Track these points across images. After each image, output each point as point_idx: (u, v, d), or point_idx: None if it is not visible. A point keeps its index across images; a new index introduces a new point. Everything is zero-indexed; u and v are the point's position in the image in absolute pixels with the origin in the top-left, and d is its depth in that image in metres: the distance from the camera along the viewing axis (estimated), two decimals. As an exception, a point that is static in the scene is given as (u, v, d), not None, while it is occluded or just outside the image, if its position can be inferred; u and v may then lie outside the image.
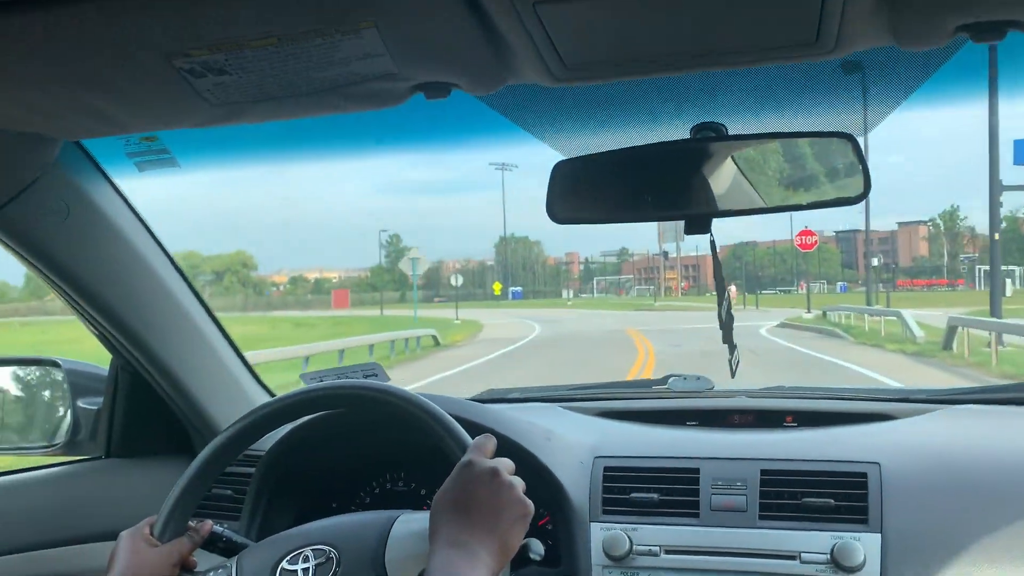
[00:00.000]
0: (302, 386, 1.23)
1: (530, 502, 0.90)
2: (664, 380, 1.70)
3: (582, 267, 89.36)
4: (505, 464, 0.92)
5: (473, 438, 0.98)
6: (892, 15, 0.70)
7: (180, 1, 0.65)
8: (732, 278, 64.02)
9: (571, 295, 79.14)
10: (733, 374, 1.09)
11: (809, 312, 25.91)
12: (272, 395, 1.63)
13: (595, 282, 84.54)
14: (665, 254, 73.65)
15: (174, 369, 1.37)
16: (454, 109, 0.89)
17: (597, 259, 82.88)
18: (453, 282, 38.15)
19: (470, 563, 0.82)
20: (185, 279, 1.36)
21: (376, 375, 1.40)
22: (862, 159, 0.82)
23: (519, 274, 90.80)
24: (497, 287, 71.60)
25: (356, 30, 0.70)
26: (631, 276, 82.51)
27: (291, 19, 0.68)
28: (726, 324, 1.04)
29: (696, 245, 75.96)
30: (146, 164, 1.06)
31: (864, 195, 0.83)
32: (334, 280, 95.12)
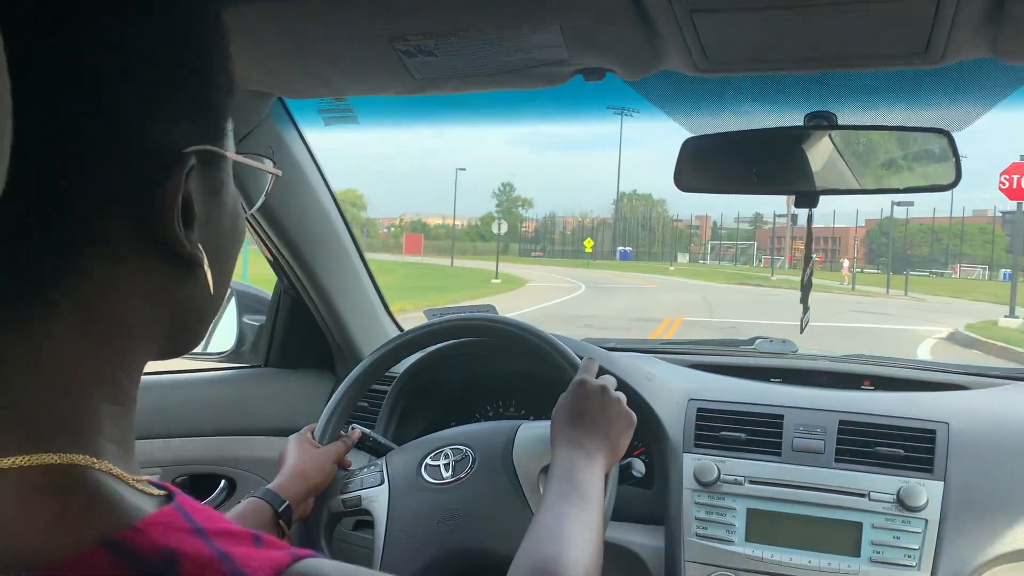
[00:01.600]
0: (426, 321, 1.44)
1: (633, 413, 1.08)
2: (751, 341, 1.85)
3: (713, 232, 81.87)
4: (611, 382, 1.11)
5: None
6: (994, 31, 0.84)
7: None
8: (877, 255, 56.45)
9: (686, 260, 71.34)
10: (802, 330, 1.24)
11: (1014, 315, 14.52)
12: (400, 328, 1.86)
13: (709, 247, 76.38)
14: (794, 218, 69.19)
15: (331, 296, 1.60)
16: (595, 88, 1.06)
17: (730, 225, 74.42)
18: (495, 230, 33.68)
19: (587, 461, 1.00)
20: (346, 222, 1.59)
21: (491, 311, 1.60)
22: (955, 152, 0.96)
23: (637, 234, 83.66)
24: (588, 244, 63.76)
25: (544, 27, 0.87)
26: (751, 243, 72.34)
27: (494, 15, 0.86)
28: (805, 287, 1.19)
29: (834, 211, 65.91)
30: (333, 120, 1.26)
31: (955, 184, 0.97)
32: (458, 226, 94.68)
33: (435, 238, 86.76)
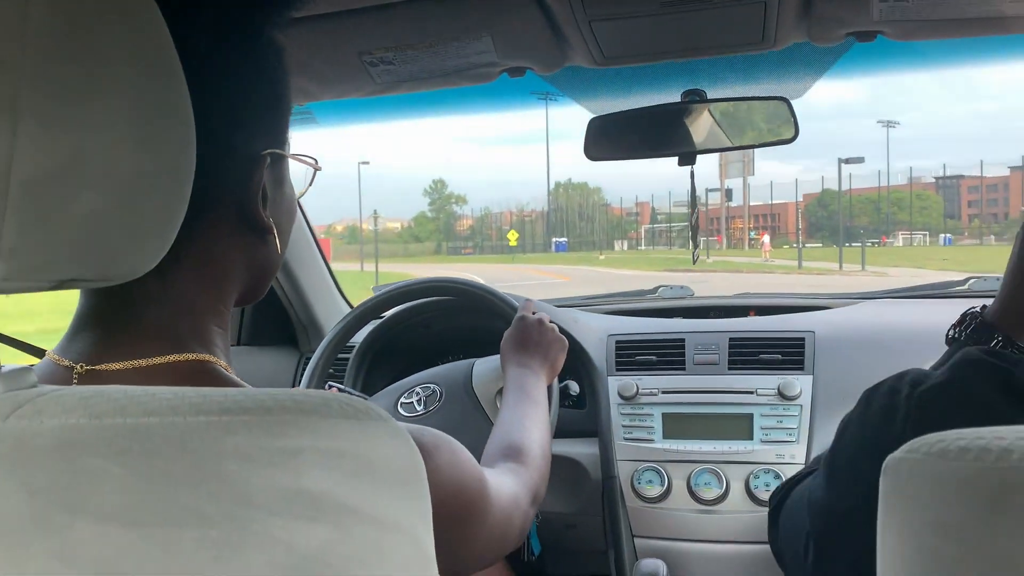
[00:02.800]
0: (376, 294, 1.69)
1: (565, 339, 1.36)
2: (655, 290, 2.17)
3: (652, 217, 75.98)
4: (545, 316, 1.38)
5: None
6: (807, 24, 1.15)
7: (379, 16, 1.08)
8: (817, 229, 54.19)
9: (624, 247, 67.94)
10: (695, 260, 1.56)
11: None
12: (351, 305, 2.09)
13: (643, 232, 71.98)
14: (728, 193, 58.14)
15: (296, 279, 1.83)
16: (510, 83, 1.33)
17: (668, 210, 68.31)
18: (372, 225, 31.57)
19: (533, 375, 1.26)
20: (304, 214, 1.81)
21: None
22: (793, 114, 1.28)
23: (576, 224, 78.65)
24: (513, 236, 62.90)
25: (479, 38, 1.13)
26: (687, 224, 71.21)
27: (441, 30, 1.12)
28: (694, 231, 1.50)
29: (771, 182, 62.51)
30: (295, 123, 1.48)
31: (795, 138, 1.29)
32: (393, 228, 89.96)
33: (363, 242, 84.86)
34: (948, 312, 1.82)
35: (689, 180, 1.41)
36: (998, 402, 0.61)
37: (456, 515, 0.71)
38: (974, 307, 0.82)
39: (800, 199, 58.72)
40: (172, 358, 0.64)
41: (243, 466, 0.42)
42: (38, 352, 0.68)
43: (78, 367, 0.62)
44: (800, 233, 51.58)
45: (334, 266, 2.10)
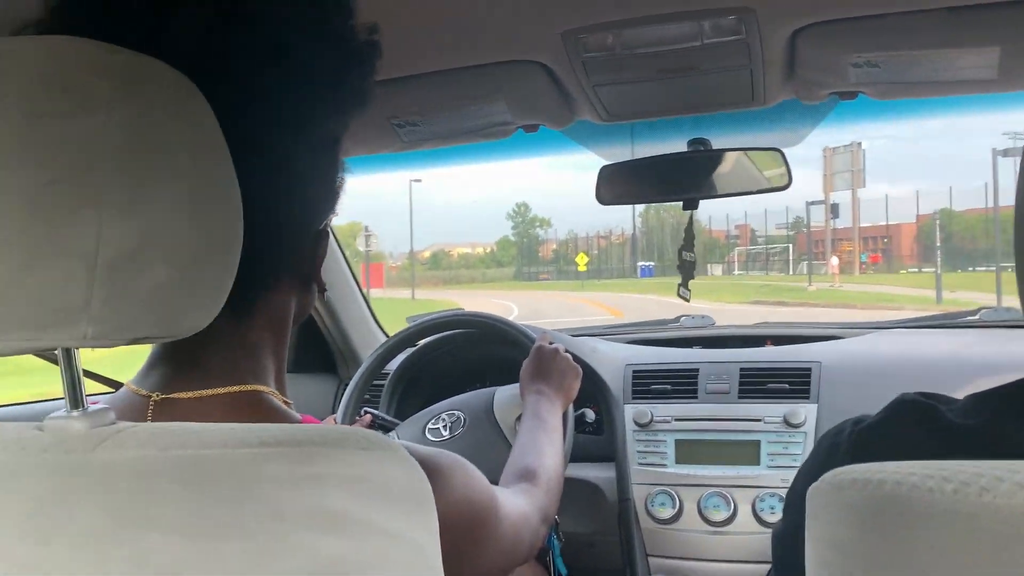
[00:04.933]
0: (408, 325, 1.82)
1: (579, 367, 1.47)
2: (677, 319, 2.27)
3: (752, 240, 68.06)
4: (560, 346, 1.49)
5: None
6: (795, 85, 1.26)
7: (407, 84, 1.22)
8: (932, 252, 44.84)
9: (719, 272, 59.95)
10: (680, 294, 1.67)
11: None
12: (387, 334, 2.23)
13: (736, 255, 64.00)
14: (834, 209, 47.69)
15: (335, 310, 1.97)
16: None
17: (771, 233, 61.17)
18: (360, 246, 28.47)
19: (549, 402, 1.37)
20: (341, 248, 1.97)
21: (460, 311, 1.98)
22: (786, 163, 1.39)
23: (667, 247, 69.70)
24: (582, 260, 58.13)
25: (495, 101, 1.27)
26: (786, 247, 57.53)
27: (461, 96, 1.25)
28: (685, 271, 1.61)
29: (885, 203, 51.67)
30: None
31: (788, 186, 1.40)
32: (477, 253, 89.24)
33: (447, 268, 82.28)
34: (955, 342, 1.91)
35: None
36: (923, 438, 0.70)
37: (468, 528, 0.80)
38: None
39: (912, 220, 51.70)
40: (233, 389, 0.75)
41: (277, 489, 0.53)
42: (116, 385, 0.82)
43: (154, 395, 0.74)
44: (911, 257, 46.81)
45: (384, 294, 2.23)
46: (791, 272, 51.47)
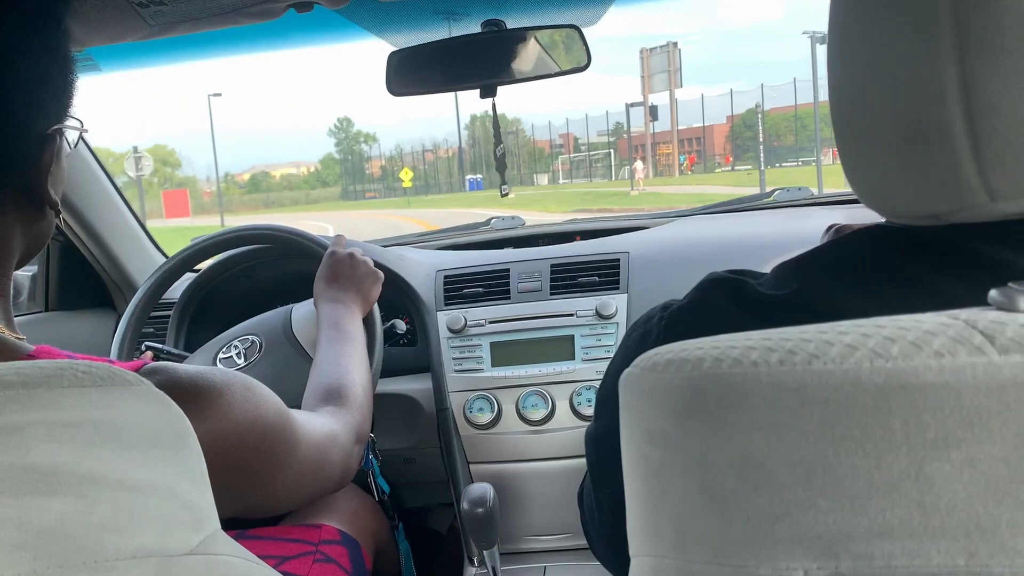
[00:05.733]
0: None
1: (380, 272, 1.36)
2: (487, 222, 2.20)
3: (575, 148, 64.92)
4: (357, 250, 1.38)
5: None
6: None
7: None
8: (743, 151, 48.82)
9: (545, 181, 58.33)
10: (503, 195, 1.60)
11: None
12: (166, 256, 2.00)
13: (560, 163, 62.07)
14: (653, 111, 47.00)
15: (101, 236, 1.73)
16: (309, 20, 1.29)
17: (593, 140, 58.75)
18: (131, 171, 25.08)
19: (346, 309, 1.27)
20: (104, 170, 1.71)
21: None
22: (585, 41, 1.31)
23: (493, 160, 69.69)
24: (406, 175, 56.13)
25: None
26: (608, 152, 55.87)
27: None
28: (500, 165, 1.53)
29: (701, 104, 50.62)
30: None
31: (587, 66, 1.32)
32: (301, 173, 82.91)
33: (268, 190, 77.12)
34: (754, 223, 1.96)
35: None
36: (732, 313, 0.66)
37: (254, 448, 0.74)
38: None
39: (724, 122, 52.74)
40: None
41: None
42: None
43: None
44: (725, 156, 48.40)
45: (193, 223, 2.00)
46: (613, 178, 51.12)
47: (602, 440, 0.74)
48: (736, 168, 45.48)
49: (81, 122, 0.83)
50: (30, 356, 0.66)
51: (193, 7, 1.13)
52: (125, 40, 1.23)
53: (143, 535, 0.44)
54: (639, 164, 41.15)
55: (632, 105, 49.85)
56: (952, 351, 0.37)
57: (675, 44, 45.61)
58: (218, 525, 0.49)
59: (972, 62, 0.46)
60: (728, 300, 0.66)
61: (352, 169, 79.03)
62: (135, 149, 25.48)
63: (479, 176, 58.83)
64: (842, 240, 0.64)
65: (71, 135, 0.84)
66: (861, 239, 0.62)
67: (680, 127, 51.47)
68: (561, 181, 58.28)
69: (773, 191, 2.09)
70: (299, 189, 78.16)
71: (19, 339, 0.69)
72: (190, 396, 0.68)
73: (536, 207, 26.53)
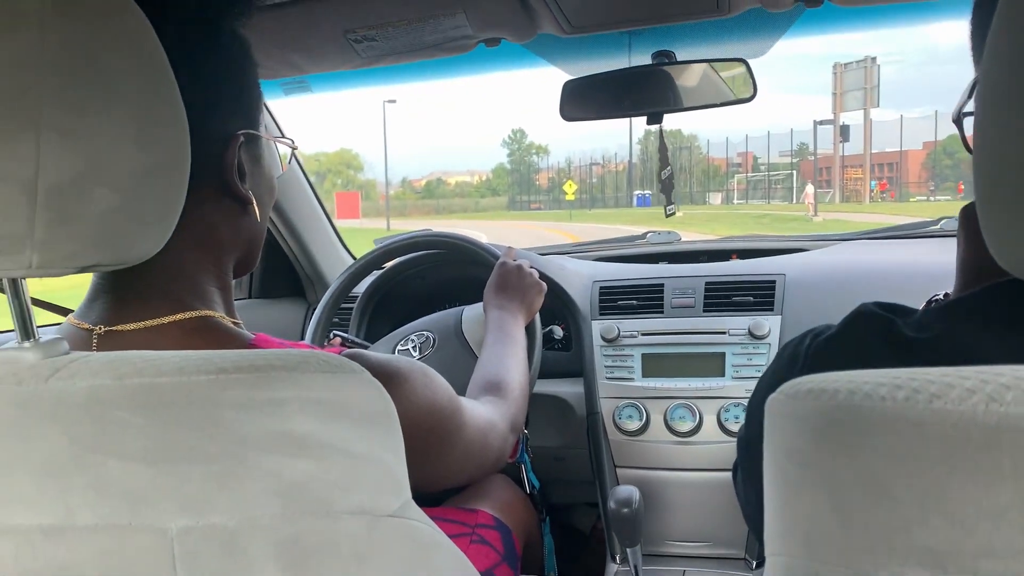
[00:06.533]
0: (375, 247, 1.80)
1: (543, 283, 1.47)
2: (644, 235, 2.28)
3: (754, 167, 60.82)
4: (524, 262, 1.49)
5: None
6: None
7: (359, 1, 1.18)
8: (942, 180, 45.71)
9: (719, 201, 54.80)
10: (667, 215, 1.68)
11: None
12: (354, 257, 2.21)
13: (736, 182, 57.47)
14: (844, 131, 43.17)
15: (300, 234, 1.95)
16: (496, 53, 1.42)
17: (774, 160, 55.11)
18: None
19: (511, 316, 1.38)
20: (305, 175, 1.93)
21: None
22: (751, 74, 1.37)
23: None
24: (570, 188, 55.09)
25: (453, 15, 1.23)
26: (789, 173, 51.49)
27: (418, 9, 1.21)
28: (666, 187, 1.61)
29: (900, 124, 47.43)
30: (291, 90, 1.59)
31: (753, 97, 1.38)
32: (474, 181, 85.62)
33: (442, 196, 78.95)
34: (916, 251, 1.93)
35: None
36: (879, 349, 0.71)
37: (430, 429, 0.83)
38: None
39: (920, 147, 48.32)
40: (178, 317, 0.75)
41: (238, 414, 0.53)
42: (65, 312, 0.80)
43: (98, 329, 0.73)
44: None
45: (362, 224, 2.21)
46: (795, 200, 45.65)
47: (751, 445, 0.81)
48: (933, 199, 41.33)
49: (292, 140, 0.97)
50: (252, 344, 0.77)
51: (399, 43, 1.29)
52: (339, 69, 1.41)
53: (360, 496, 0.55)
54: (809, 188, 37.45)
55: (821, 123, 45.94)
56: None
57: (873, 59, 41.43)
58: (410, 494, 0.60)
59: None
60: (874, 337, 0.71)
61: (521, 179, 79.65)
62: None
63: (648, 192, 55.73)
64: (991, 288, 0.68)
65: (283, 149, 0.96)
66: (1011, 287, 0.65)
67: (872, 151, 46.56)
68: (735, 201, 54.53)
69: (940, 220, 2.05)
70: (470, 197, 79.46)
71: (239, 327, 0.80)
72: (382, 380, 0.79)
73: (704, 228, 23.76)
